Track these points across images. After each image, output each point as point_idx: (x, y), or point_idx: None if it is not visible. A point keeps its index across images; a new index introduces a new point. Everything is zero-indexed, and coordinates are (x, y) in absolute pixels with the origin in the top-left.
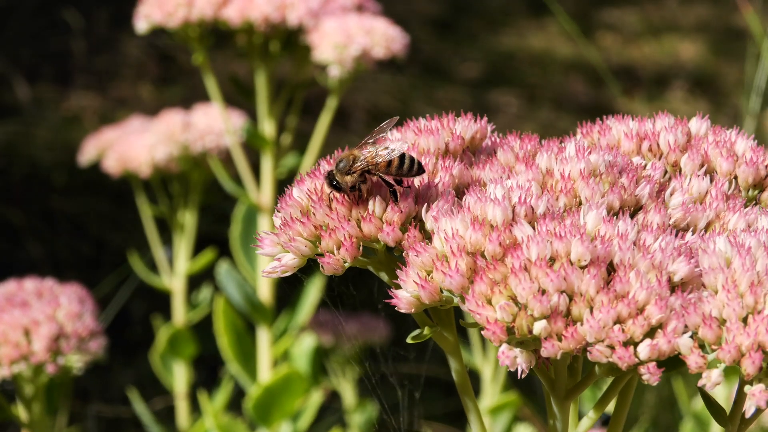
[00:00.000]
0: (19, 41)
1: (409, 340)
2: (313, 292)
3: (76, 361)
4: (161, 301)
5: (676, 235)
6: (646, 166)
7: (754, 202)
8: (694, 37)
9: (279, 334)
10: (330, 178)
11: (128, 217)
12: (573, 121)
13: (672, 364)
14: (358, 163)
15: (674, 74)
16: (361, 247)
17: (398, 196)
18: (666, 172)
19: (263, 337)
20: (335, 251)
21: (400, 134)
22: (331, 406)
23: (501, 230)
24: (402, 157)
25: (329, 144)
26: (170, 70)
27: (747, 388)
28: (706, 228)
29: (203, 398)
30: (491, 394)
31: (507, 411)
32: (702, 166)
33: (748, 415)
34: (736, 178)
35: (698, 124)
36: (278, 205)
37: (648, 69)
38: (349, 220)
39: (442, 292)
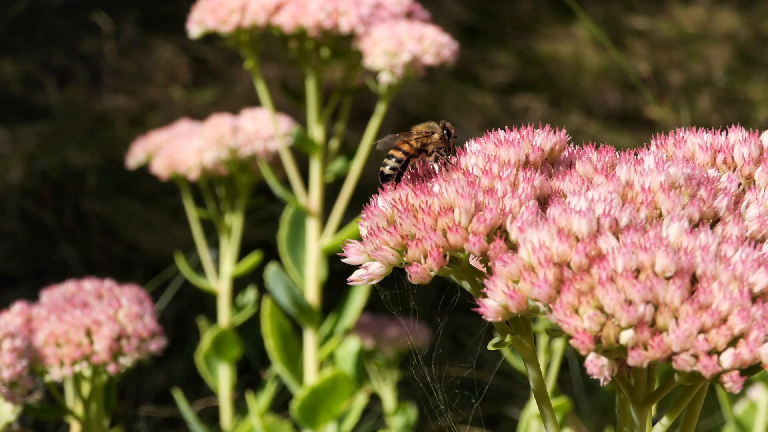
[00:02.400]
0: (50, 43)
1: (490, 347)
2: (359, 296)
3: (125, 362)
4: (194, 304)
5: (754, 247)
6: (721, 178)
7: None
8: (723, 44)
9: (325, 336)
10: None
11: (160, 218)
12: (602, 127)
13: (750, 371)
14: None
15: (703, 81)
16: (447, 257)
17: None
18: (740, 184)
19: (309, 339)
20: (422, 260)
21: (480, 146)
22: (372, 409)
23: (587, 241)
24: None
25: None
26: (201, 73)
27: None
28: None
29: (250, 398)
30: None
31: (557, 415)
32: None
33: None
34: None
35: None
36: (363, 214)
37: (677, 76)
38: (435, 230)
39: (528, 301)
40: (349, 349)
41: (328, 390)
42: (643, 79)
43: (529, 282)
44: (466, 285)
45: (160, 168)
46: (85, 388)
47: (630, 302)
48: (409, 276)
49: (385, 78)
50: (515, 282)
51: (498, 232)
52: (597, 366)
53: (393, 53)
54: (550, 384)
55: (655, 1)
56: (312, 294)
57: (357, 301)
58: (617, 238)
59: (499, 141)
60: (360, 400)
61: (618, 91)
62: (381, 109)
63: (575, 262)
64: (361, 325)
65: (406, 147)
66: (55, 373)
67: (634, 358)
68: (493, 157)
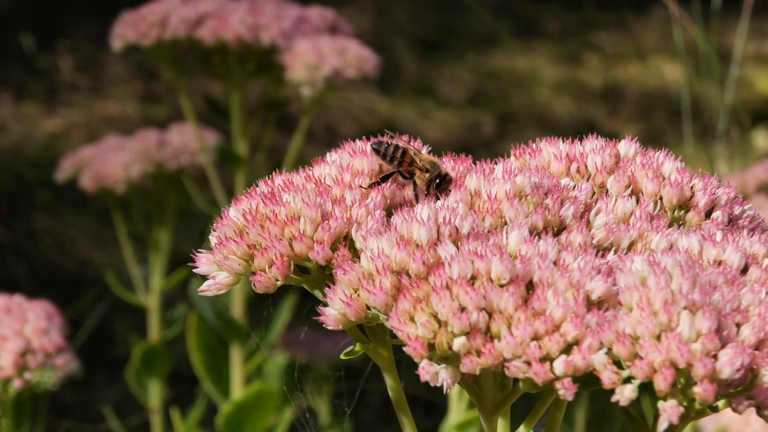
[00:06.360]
0: (6, 58)
1: (342, 357)
2: (285, 311)
3: (48, 377)
4: (144, 320)
5: (599, 255)
6: (573, 187)
7: (679, 222)
8: (679, 59)
9: (252, 351)
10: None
11: (111, 235)
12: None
13: (592, 381)
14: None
15: (659, 95)
16: (293, 266)
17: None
18: (594, 193)
19: (236, 354)
20: (267, 270)
21: (337, 155)
22: (307, 424)
23: (425, 249)
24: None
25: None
26: (156, 88)
27: (660, 404)
28: (629, 248)
29: (174, 415)
30: (458, 410)
31: (473, 427)
32: (628, 187)
33: (660, 430)
34: (661, 198)
35: (627, 147)
36: (214, 224)
37: (634, 90)
38: (281, 239)
39: (368, 309)
40: (277, 363)
41: (253, 405)
42: (599, 93)
43: (366, 290)
44: (319, 294)
45: (87, 182)
46: None
47: (463, 309)
48: (254, 285)
49: (305, 91)
50: (356, 290)
51: (344, 241)
52: (429, 373)
53: (314, 67)
54: (467, 395)
55: (614, 15)
56: (237, 308)
57: (282, 315)
58: (457, 247)
59: (353, 151)
60: (287, 415)
61: (574, 106)
62: (305, 123)
63: (413, 270)
64: (296, 339)
65: (407, 158)
66: None
67: (466, 365)
68: (347, 167)
